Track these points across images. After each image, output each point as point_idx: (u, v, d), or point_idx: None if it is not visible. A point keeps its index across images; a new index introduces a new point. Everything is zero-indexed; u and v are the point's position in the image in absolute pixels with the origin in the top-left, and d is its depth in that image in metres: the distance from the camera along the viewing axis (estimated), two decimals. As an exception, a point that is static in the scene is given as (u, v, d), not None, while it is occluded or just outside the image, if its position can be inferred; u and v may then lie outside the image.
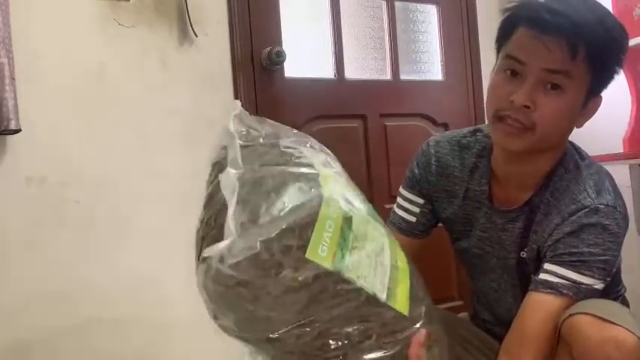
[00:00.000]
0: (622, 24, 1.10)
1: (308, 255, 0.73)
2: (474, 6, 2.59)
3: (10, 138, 1.71)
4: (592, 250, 1.06)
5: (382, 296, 0.78)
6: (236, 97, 2.09)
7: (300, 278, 0.73)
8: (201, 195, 0.96)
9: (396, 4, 2.49)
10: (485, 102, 1.19)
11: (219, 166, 0.86)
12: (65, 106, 1.82)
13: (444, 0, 2.58)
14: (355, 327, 0.76)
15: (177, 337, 1.93)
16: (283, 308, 0.74)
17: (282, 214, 0.74)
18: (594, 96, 1.12)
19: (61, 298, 1.77)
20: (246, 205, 0.75)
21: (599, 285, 1.07)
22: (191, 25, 1.99)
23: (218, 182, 0.80)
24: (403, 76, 2.48)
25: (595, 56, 1.05)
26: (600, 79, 1.10)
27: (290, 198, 0.76)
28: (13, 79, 1.64)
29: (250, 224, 0.74)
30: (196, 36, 2.01)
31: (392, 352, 0.79)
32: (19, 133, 1.67)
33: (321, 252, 0.74)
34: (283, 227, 0.73)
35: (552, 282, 1.07)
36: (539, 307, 1.07)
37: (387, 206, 2.37)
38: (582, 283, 1.06)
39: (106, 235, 1.84)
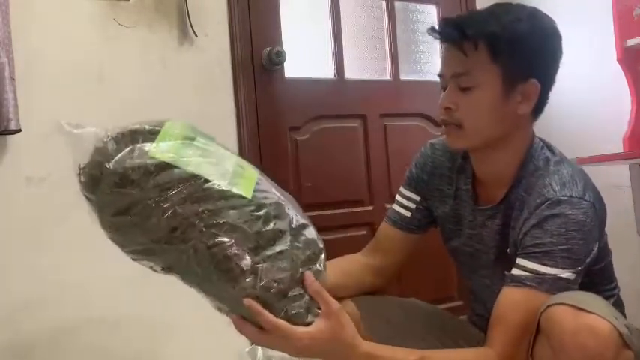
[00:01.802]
0: (540, 17, 1.19)
1: (151, 153, 0.90)
2: (474, 6, 2.59)
3: (10, 138, 1.71)
4: (554, 239, 1.10)
5: (223, 183, 0.92)
6: (236, 97, 2.09)
7: (147, 162, 0.90)
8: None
9: (396, 4, 2.49)
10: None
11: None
12: (65, 106, 1.82)
13: (443, 0, 2.58)
14: (206, 206, 0.90)
15: (178, 337, 1.93)
16: (149, 190, 0.89)
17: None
18: (520, 82, 1.17)
19: (62, 299, 1.77)
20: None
21: (565, 274, 1.10)
22: (191, 25, 1.99)
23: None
24: (403, 76, 2.48)
25: (494, 47, 1.15)
26: (515, 66, 1.17)
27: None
28: (13, 79, 1.64)
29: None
30: (196, 36, 2.01)
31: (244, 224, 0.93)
32: (19, 133, 1.67)
33: (162, 152, 0.91)
34: (131, 128, 0.94)
35: (517, 275, 1.12)
36: (505, 300, 1.13)
37: (388, 206, 2.38)
38: (545, 274, 1.10)
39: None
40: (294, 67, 2.22)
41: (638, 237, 2.16)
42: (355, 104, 2.35)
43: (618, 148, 2.11)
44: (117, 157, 0.90)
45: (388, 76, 2.46)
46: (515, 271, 1.13)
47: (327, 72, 2.33)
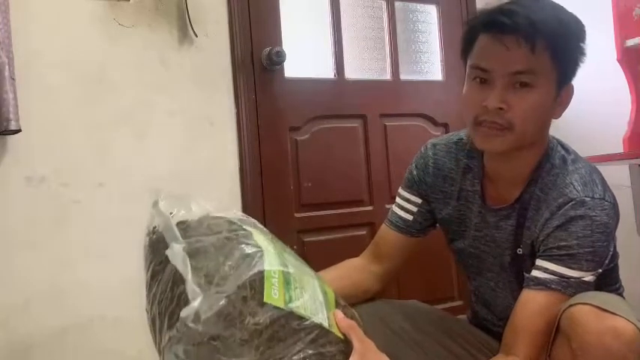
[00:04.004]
0: (575, 15, 1.16)
1: (265, 299, 0.85)
2: (474, 6, 2.59)
3: (10, 138, 1.71)
4: (580, 242, 1.08)
5: (325, 324, 0.90)
6: (236, 97, 2.09)
7: (260, 321, 0.84)
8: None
9: (396, 4, 2.49)
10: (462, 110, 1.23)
11: (153, 249, 0.96)
12: (65, 107, 1.82)
13: (444, 0, 2.58)
14: (312, 352, 0.87)
15: (177, 337, 1.93)
16: (250, 352, 0.84)
17: (232, 272, 0.86)
18: (565, 85, 1.16)
19: (61, 298, 1.77)
20: (199, 271, 0.86)
21: (588, 277, 1.09)
22: (191, 25, 1.99)
23: (160, 262, 0.91)
24: (403, 76, 2.48)
25: (556, 48, 1.10)
26: (566, 69, 1.15)
27: (236, 258, 0.88)
28: (13, 79, 1.64)
29: (207, 285, 0.85)
30: (196, 36, 2.01)
31: None
32: (19, 133, 1.67)
33: (274, 295, 0.86)
34: (239, 283, 0.85)
35: (541, 278, 1.10)
36: (530, 304, 1.10)
37: (388, 206, 2.39)
38: (571, 277, 1.09)
39: (106, 235, 1.84)
40: (294, 67, 2.22)
41: (638, 237, 2.16)
42: (355, 104, 2.35)
43: (618, 148, 2.11)
44: (237, 320, 0.84)
45: (388, 76, 2.46)
46: (537, 273, 1.10)
47: (327, 72, 2.33)
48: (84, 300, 1.80)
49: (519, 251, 1.20)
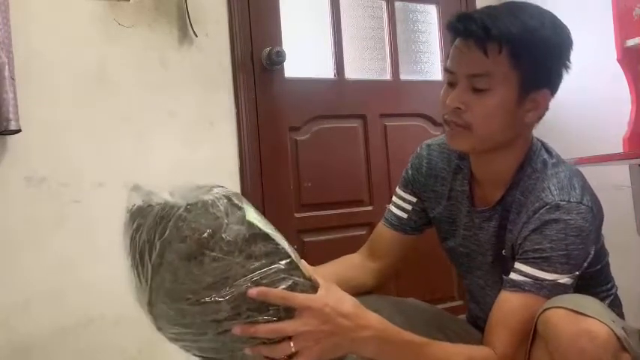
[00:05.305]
0: (560, 25, 1.16)
1: (247, 217, 0.92)
2: (474, 6, 2.59)
3: (10, 138, 1.71)
4: (553, 245, 1.10)
5: (296, 261, 0.96)
6: (236, 97, 2.09)
7: (242, 229, 0.90)
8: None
9: (396, 4, 2.49)
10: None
11: (134, 215, 1.05)
12: (65, 106, 1.82)
13: (444, 0, 2.58)
14: (285, 275, 0.93)
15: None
16: (234, 253, 0.89)
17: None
18: (533, 91, 1.15)
19: (61, 298, 1.77)
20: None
21: (564, 279, 1.10)
22: (191, 25, 1.99)
23: (141, 212, 1.01)
24: (403, 76, 2.48)
25: (516, 53, 1.11)
26: (533, 75, 1.14)
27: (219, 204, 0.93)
28: (13, 79, 1.64)
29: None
30: (196, 36, 2.01)
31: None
32: (19, 133, 1.67)
33: (254, 219, 0.92)
34: (224, 201, 0.91)
35: (516, 280, 1.11)
36: (506, 304, 1.12)
37: (387, 206, 2.39)
38: (545, 279, 1.10)
39: (106, 235, 1.84)
40: (294, 67, 2.22)
41: (638, 237, 2.16)
42: (355, 104, 2.35)
43: (618, 148, 2.11)
44: (230, 224, 0.89)
45: (388, 76, 2.46)
46: (513, 275, 1.12)
47: (327, 72, 2.33)
48: (84, 300, 1.80)
49: (504, 252, 1.22)
